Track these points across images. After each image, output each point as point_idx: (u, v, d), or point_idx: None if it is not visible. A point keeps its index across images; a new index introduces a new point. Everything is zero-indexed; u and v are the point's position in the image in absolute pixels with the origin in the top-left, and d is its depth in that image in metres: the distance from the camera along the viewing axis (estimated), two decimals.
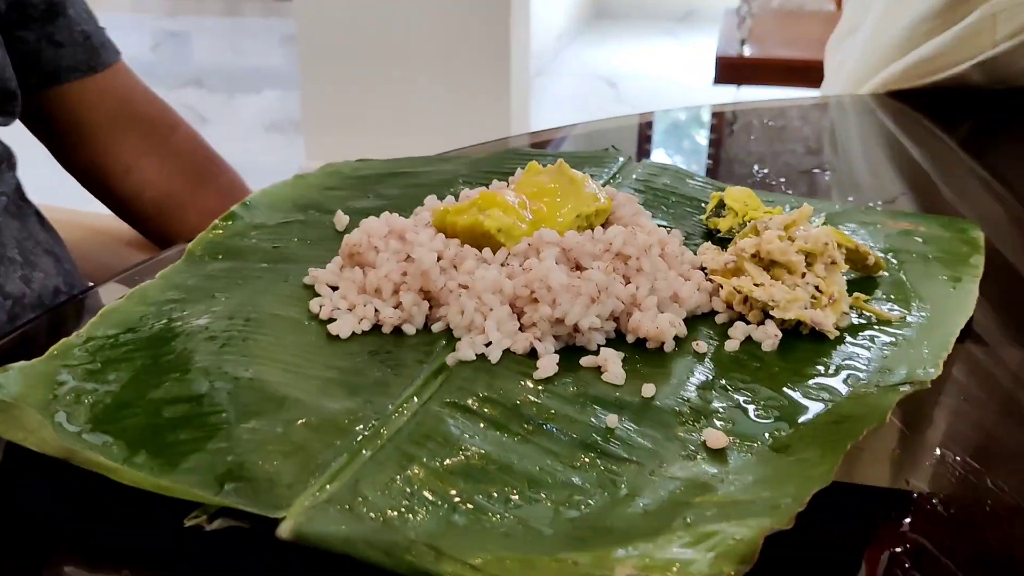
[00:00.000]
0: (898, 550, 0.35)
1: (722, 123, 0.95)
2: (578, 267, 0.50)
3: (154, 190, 0.83)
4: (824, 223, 0.60)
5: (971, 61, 0.95)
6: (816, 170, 0.78)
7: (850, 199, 0.74)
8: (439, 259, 0.50)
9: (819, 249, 0.50)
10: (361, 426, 0.40)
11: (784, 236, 0.50)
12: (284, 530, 0.34)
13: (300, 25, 2.77)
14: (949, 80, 0.98)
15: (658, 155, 0.86)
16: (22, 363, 0.45)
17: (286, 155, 3.28)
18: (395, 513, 0.35)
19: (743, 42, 2.12)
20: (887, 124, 0.97)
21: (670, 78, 4.03)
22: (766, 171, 0.77)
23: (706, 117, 0.97)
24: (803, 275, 0.49)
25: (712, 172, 0.81)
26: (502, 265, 0.50)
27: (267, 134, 3.73)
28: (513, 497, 0.36)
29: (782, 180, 0.74)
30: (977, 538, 0.37)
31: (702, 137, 0.93)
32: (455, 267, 0.50)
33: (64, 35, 0.78)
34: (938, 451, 0.42)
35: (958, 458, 0.40)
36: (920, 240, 0.60)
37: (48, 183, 0.96)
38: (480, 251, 0.51)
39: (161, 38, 4.74)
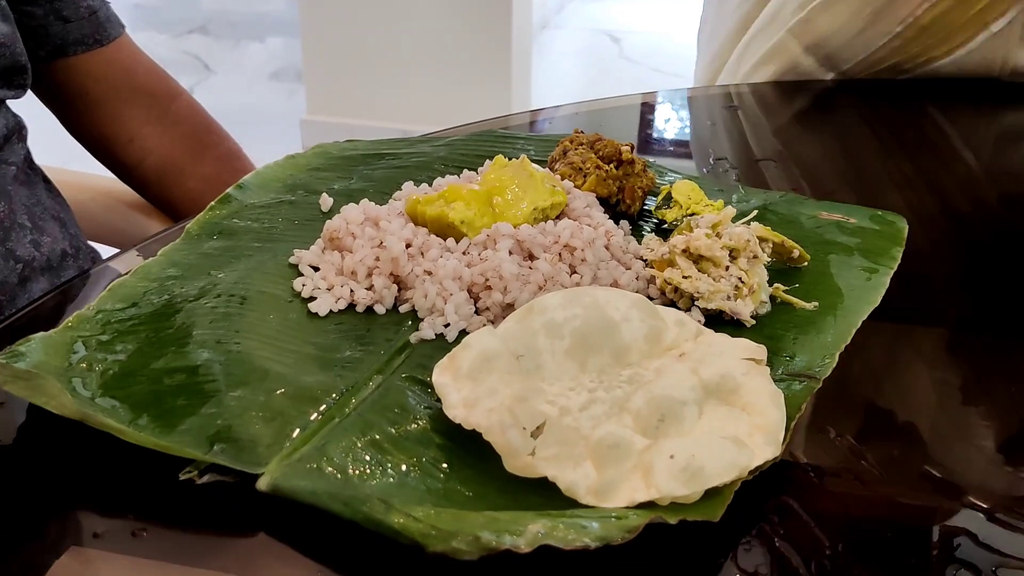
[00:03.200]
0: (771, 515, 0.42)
1: (696, 107, 1.00)
2: (531, 257, 0.56)
3: (155, 158, 0.89)
4: (763, 213, 0.67)
5: (788, 26, 1.00)
6: (770, 160, 0.84)
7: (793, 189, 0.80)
8: (408, 246, 0.57)
9: (742, 245, 0.56)
10: (332, 397, 0.47)
11: (711, 234, 0.56)
12: (262, 484, 0.41)
13: None
14: (785, 68, 1.03)
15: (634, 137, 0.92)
16: (42, 334, 0.51)
17: (290, 103, 3.32)
18: (355, 472, 0.42)
19: None
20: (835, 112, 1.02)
21: (674, 35, 4.04)
22: (723, 159, 0.84)
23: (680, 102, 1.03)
24: (727, 268, 0.56)
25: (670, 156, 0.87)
26: (463, 254, 0.57)
27: (271, 82, 3.76)
28: (455, 461, 0.43)
29: (735, 170, 0.80)
30: (843, 504, 0.44)
31: (672, 122, 0.98)
32: (422, 254, 0.57)
33: (71, 11, 0.84)
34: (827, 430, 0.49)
35: (838, 436, 0.47)
36: (848, 231, 0.66)
37: (60, 149, 1.02)
38: (445, 240, 0.58)
39: None
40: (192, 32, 4.05)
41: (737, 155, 0.86)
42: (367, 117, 2.87)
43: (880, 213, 0.69)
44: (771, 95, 1.02)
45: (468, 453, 0.43)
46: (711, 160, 0.83)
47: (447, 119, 2.84)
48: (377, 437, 0.44)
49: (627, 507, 0.40)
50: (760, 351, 0.47)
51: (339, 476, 0.41)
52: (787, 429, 0.44)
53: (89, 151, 0.92)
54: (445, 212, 0.58)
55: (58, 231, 0.81)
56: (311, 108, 2.92)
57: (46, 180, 0.86)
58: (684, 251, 0.56)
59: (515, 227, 0.58)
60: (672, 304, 0.56)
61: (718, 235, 0.57)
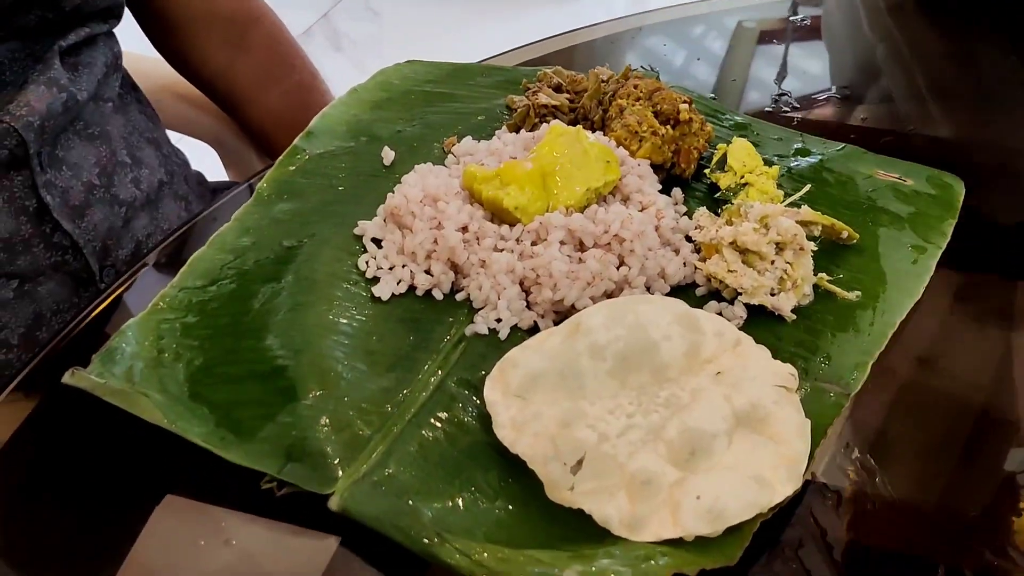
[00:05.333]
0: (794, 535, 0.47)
1: (741, 32, 0.97)
2: (581, 245, 0.59)
3: (224, 82, 0.91)
4: (819, 172, 0.67)
5: None
6: (833, 90, 0.82)
7: (863, 119, 0.79)
8: (465, 230, 0.60)
9: (789, 239, 0.57)
10: (390, 407, 0.51)
11: (759, 228, 0.58)
12: (333, 504, 0.47)
13: None
14: None
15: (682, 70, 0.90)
16: (132, 320, 0.57)
17: None
18: (415, 492, 0.47)
19: None
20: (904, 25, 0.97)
21: None
22: (791, 88, 0.82)
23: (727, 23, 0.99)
24: (772, 262, 0.58)
25: (727, 90, 0.86)
26: (517, 242, 0.59)
27: None
28: (504, 481, 0.48)
29: (798, 109, 0.79)
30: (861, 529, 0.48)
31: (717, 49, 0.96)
32: (478, 240, 0.59)
33: None
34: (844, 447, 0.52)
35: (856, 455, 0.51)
36: (903, 195, 0.66)
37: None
38: (499, 225, 0.60)
39: None
40: None
41: (795, 84, 0.84)
42: None
43: (937, 173, 0.68)
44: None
45: (515, 472, 0.48)
46: (774, 96, 0.81)
47: None
48: (435, 454, 0.49)
49: (654, 543, 0.44)
50: (791, 379, 0.50)
51: (399, 498, 0.47)
52: (811, 457, 0.48)
53: (171, 65, 0.94)
54: (500, 196, 0.60)
55: (154, 157, 0.84)
56: None
57: (135, 88, 0.88)
58: (731, 243, 0.58)
59: (567, 209, 0.60)
60: (716, 293, 0.58)
61: (766, 227, 0.58)
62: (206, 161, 1.05)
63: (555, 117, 0.70)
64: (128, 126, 0.83)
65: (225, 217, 0.65)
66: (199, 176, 0.97)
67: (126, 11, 0.83)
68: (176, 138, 0.96)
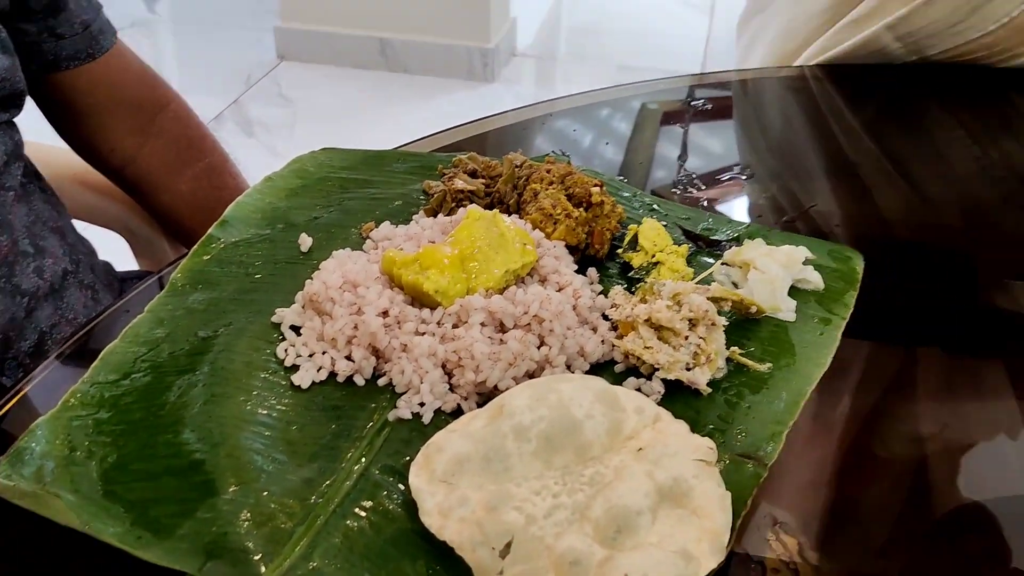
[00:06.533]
0: None
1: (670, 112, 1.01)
2: (502, 327, 0.59)
3: (133, 168, 0.90)
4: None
5: (885, 21, 1.00)
6: (736, 170, 0.86)
7: (765, 197, 0.83)
8: (385, 314, 0.60)
9: (700, 315, 0.59)
10: (313, 498, 0.51)
11: (672, 305, 0.59)
12: None
13: None
14: (870, 51, 1.03)
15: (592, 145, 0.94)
16: (43, 418, 0.55)
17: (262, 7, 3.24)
18: None
19: None
20: (811, 99, 1.03)
21: None
22: (695, 167, 0.86)
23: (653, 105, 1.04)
24: (686, 337, 0.59)
25: (635, 171, 0.89)
26: (438, 325, 0.60)
27: None
28: (432, 572, 0.47)
29: (703, 189, 0.82)
30: None
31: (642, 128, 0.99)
32: (399, 324, 0.60)
33: (65, 28, 0.83)
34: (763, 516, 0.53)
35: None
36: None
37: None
38: (420, 308, 0.60)
39: None
40: None
41: (703, 162, 0.88)
42: (342, 24, 2.81)
43: (838, 247, 0.72)
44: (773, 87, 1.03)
45: (443, 560, 0.47)
46: (679, 176, 0.84)
47: (421, 28, 2.78)
48: (360, 544, 0.48)
49: None
50: (711, 452, 0.51)
51: None
52: (733, 529, 0.49)
53: (76, 152, 0.93)
54: (420, 281, 0.60)
55: (58, 245, 0.82)
56: (285, 15, 2.85)
57: (38, 177, 0.86)
58: (646, 320, 0.59)
59: (487, 291, 0.61)
60: (634, 369, 0.60)
61: (679, 304, 0.60)
62: (114, 251, 1.03)
63: (471, 202, 0.72)
64: (31, 215, 0.81)
65: (138, 309, 0.64)
66: (107, 265, 0.95)
67: (28, 99, 0.82)
68: (83, 227, 0.95)
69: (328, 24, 2.85)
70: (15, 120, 0.81)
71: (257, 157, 2.45)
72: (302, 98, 2.84)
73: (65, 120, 0.89)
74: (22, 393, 0.61)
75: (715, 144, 0.94)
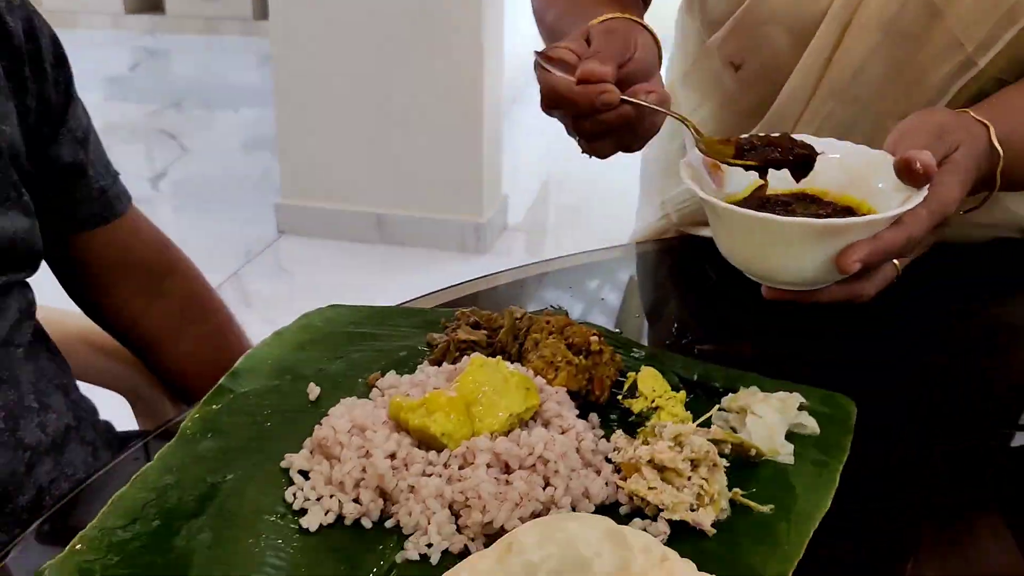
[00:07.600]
0: None
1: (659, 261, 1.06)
2: (507, 468, 0.61)
3: (140, 328, 0.93)
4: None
5: None
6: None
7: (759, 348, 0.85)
8: (393, 457, 0.61)
9: (702, 456, 0.61)
10: None
11: (673, 446, 0.61)
12: None
13: (276, 47, 2.85)
14: None
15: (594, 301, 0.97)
16: (50, 562, 0.55)
17: (264, 172, 3.37)
18: None
19: None
20: None
21: None
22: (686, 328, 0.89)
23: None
24: (689, 478, 0.60)
25: (631, 324, 0.92)
26: (445, 466, 0.61)
27: (245, 151, 3.83)
28: None
29: (697, 347, 0.85)
30: None
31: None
32: (406, 466, 0.61)
33: (82, 193, 0.87)
34: None
35: None
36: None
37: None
38: (427, 450, 0.62)
39: (141, 56, 4.80)
40: (166, 108, 4.09)
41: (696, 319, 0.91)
42: (340, 200, 2.92)
43: (830, 394, 0.74)
44: None
45: None
46: (673, 330, 0.88)
47: (416, 203, 2.89)
48: None
49: None
50: None
51: None
52: None
53: (83, 311, 0.96)
54: (427, 424, 0.62)
55: (62, 402, 0.84)
56: (285, 192, 2.97)
57: (45, 338, 0.89)
58: (649, 461, 0.61)
59: (492, 434, 0.62)
60: (639, 511, 0.60)
61: (680, 445, 0.61)
62: (115, 411, 1.04)
63: (474, 351, 0.74)
64: (37, 372, 0.83)
65: (134, 468, 0.64)
66: (107, 424, 0.96)
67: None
68: (84, 387, 0.96)
69: (327, 201, 2.96)
70: (27, 281, 0.84)
71: (255, 327, 2.48)
72: (301, 271, 2.91)
73: (76, 279, 0.92)
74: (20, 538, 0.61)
75: (704, 299, 0.98)
